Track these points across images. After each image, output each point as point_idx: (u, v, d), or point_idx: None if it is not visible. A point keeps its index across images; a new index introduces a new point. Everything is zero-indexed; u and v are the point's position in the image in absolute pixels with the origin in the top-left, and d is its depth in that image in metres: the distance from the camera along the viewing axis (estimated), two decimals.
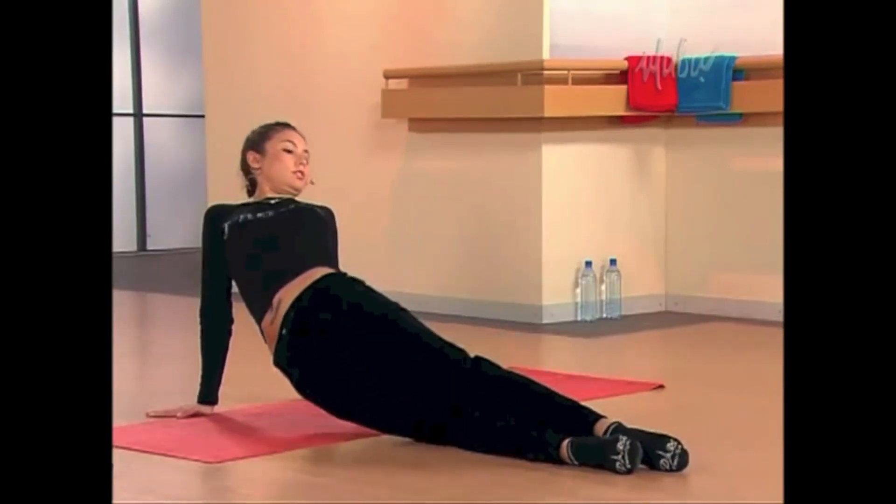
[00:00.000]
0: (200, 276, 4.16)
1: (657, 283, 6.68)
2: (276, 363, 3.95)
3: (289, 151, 4.19)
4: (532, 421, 3.60)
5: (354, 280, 4.03)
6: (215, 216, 4.16)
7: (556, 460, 3.47)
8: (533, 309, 6.27)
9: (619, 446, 3.38)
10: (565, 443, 3.47)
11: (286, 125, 4.29)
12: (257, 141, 4.24)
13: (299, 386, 3.93)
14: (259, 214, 4.11)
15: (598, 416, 3.60)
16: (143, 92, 10.22)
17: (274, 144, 4.20)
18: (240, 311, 4.13)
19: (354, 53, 6.95)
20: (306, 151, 4.23)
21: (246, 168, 4.25)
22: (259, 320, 3.99)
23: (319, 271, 4.00)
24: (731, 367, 5.19)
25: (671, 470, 3.41)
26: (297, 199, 4.21)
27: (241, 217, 4.11)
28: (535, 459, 3.50)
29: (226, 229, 4.10)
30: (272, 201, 4.16)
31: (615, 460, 3.38)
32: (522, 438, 3.55)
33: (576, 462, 3.45)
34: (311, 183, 4.24)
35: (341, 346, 3.81)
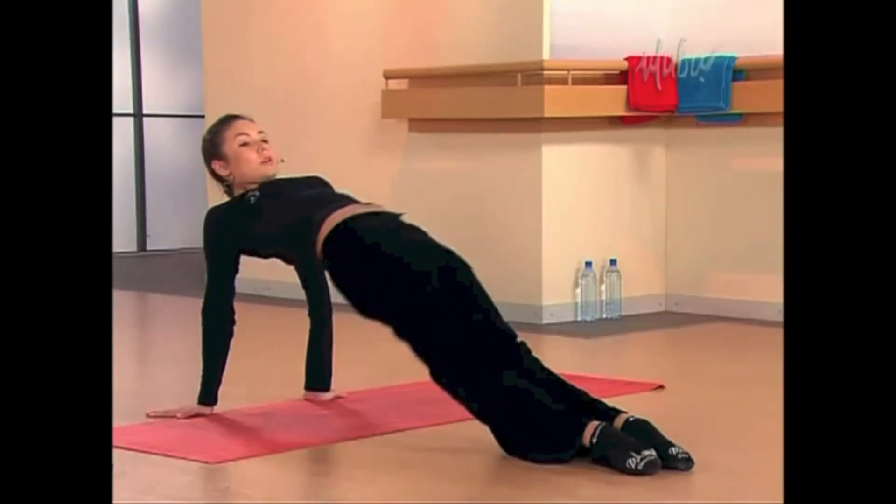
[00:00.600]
0: (205, 276, 4.14)
1: (657, 284, 6.68)
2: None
3: (245, 144, 4.18)
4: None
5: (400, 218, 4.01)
6: (218, 214, 4.14)
7: (572, 445, 3.47)
8: (533, 309, 6.27)
9: (646, 452, 3.38)
10: (594, 423, 3.46)
11: (231, 118, 4.27)
12: (214, 147, 4.23)
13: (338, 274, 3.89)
14: (278, 182, 4.14)
15: (617, 412, 3.61)
16: (143, 92, 10.22)
17: (230, 145, 4.19)
18: (241, 311, 4.13)
19: (354, 53, 6.96)
20: (261, 132, 4.22)
21: (217, 176, 4.25)
22: (322, 219, 3.88)
23: (371, 205, 4.00)
24: (731, 367, 5.19)
25: (678, 459, 3.41)
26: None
27: (267, 188, 4.11)
28: (549, 444, 3.50)
29: (257, 194, 4.07)
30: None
31: (631, 456, 3.37)
32: (560, 415, 3.53)
33: (593, 443, 3.43)
34: (282, 161, 4.24)
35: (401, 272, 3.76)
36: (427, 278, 3.73)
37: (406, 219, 4.00)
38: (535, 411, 3.55)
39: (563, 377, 3.75)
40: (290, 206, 4.02)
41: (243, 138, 4.19)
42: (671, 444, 3.46)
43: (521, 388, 3.58)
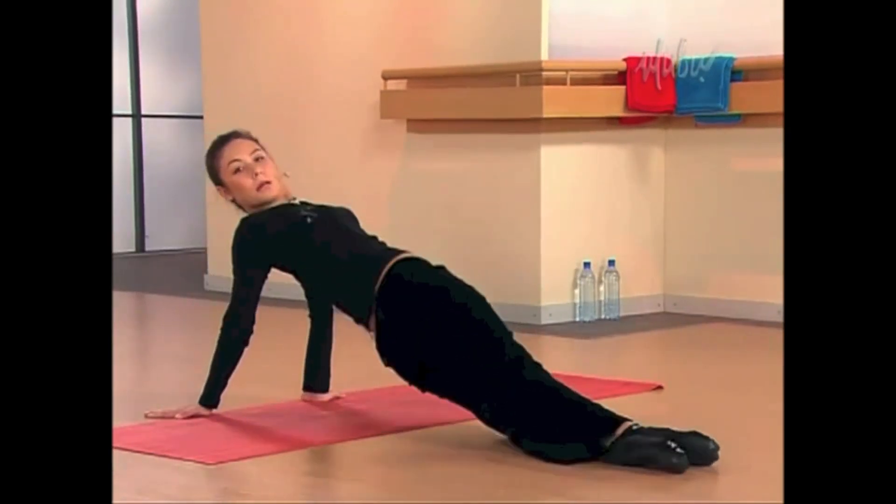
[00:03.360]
0: (234, 282, 4.09)
1: (656, 284, 6.68)
2: (382, 351, 3.87)
3: (238, 171, 4.14)
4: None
5: (434, 266, 4.02)
6: (255, 222, 4.08)
7: (602, 437, 3.47)
8: (531, 310, 6.27)
9: (679, 452, 3.39)
10: (630, 423, 3.47)
11: (223, 141, 4.22)
12: (213, 176, 4.22)
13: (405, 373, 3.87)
14: (331, 212, 4.12)
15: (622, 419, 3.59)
16: (141, 93, 10.22)
17: (225, 174, 4.16)
18: (260, 321, 4.10)
19: (353, 54, 6.96)
20: (255, 151, 4.16)
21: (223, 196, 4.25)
22: (366, 314, 3.88)
23: (402, 254, 4.01)
24: (730, 368, 5.19)
25: (712, 450, 3.43)
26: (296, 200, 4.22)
27: (322, 213, 4.10)
28: (560, 455, 3.51)
29: (315, 216, 4.05)
30: (300, 204, 4.16)
31: (674, 447, 3.38)
32: (583, 411, 3.55)
33: (628, 435, 3.44)
34: (286, 175, 4.21)
35: (424, 322, 3.77)
36: (468, 311, 3.79)
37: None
38: (569, 407, 3.58)
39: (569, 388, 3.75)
40: (347, 242, 4.02)
41: (235, 165, 4.13)
42: (683, 438, 3.47)
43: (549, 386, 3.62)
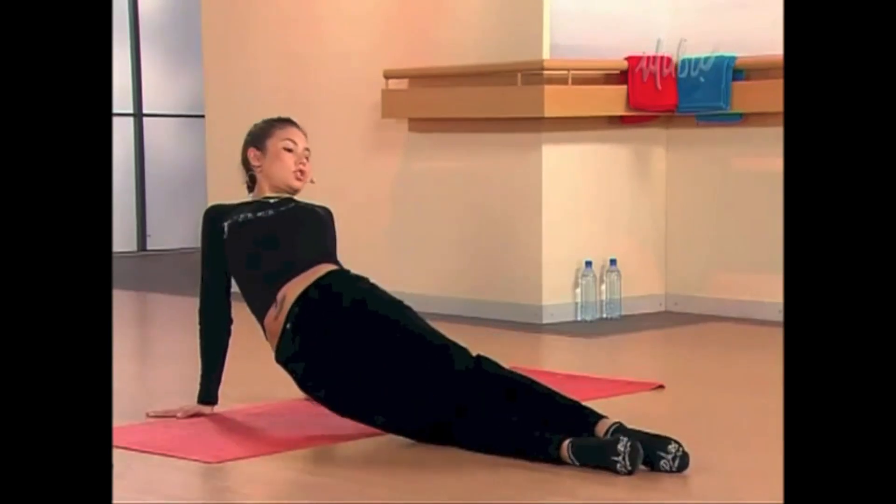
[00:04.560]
0: (199, 276, 4.17)
1: (657, 284, 6.68)
2: (279, 360, 3.94)
3: (289, 150, 4.17)
4: (533, 420, 3.60)
5: (358, 277, 4.02)
6: (214, 216, 4.15)
7: (557, 460, 3.47)
8: (533, 309, 6.27)
9: (620, 447, 3.38)
10: (566, 443, 3.47)
11: (288, 121, 4.27)
12: (259, 137, 4.22)
13: (302, 382, 3.92)
14: (259, 213, 4.09)
15: (599, 417, 3.60)
16: (142, 92, 10.22)
17: (275, 143, 4.18)
18: (239, 311, 4.13)
19: (354, 53, 6.96)
20: (307, 150, 4.21)
21: (247, 164, 4.24)
22: (261, 317, 3.97)
23: (324, 268, 3.99)
24: (731, 367, 5.19)
25: (671, 471, 3.41)
26: (296, 198, 4.20)
27: (241, 216, 4.09)
28: (535, 459, 3.50)
29: (225, 228, 4.09)
30: (271, 200, 4.15)
31: (616, 461, 3.38)
32: (524, 438, 3.55)
33: (576, 462, 3.44)
34: (312, 182, 4.24)
35: (345, 344, 3.80)
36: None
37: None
38: (504, 438, 3.61)
39: (532, 378, 3.77)
40: (243, 265, 4.06)
41: (289, 144, 4.18)
42: (659, 445, 3.46)
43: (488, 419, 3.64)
